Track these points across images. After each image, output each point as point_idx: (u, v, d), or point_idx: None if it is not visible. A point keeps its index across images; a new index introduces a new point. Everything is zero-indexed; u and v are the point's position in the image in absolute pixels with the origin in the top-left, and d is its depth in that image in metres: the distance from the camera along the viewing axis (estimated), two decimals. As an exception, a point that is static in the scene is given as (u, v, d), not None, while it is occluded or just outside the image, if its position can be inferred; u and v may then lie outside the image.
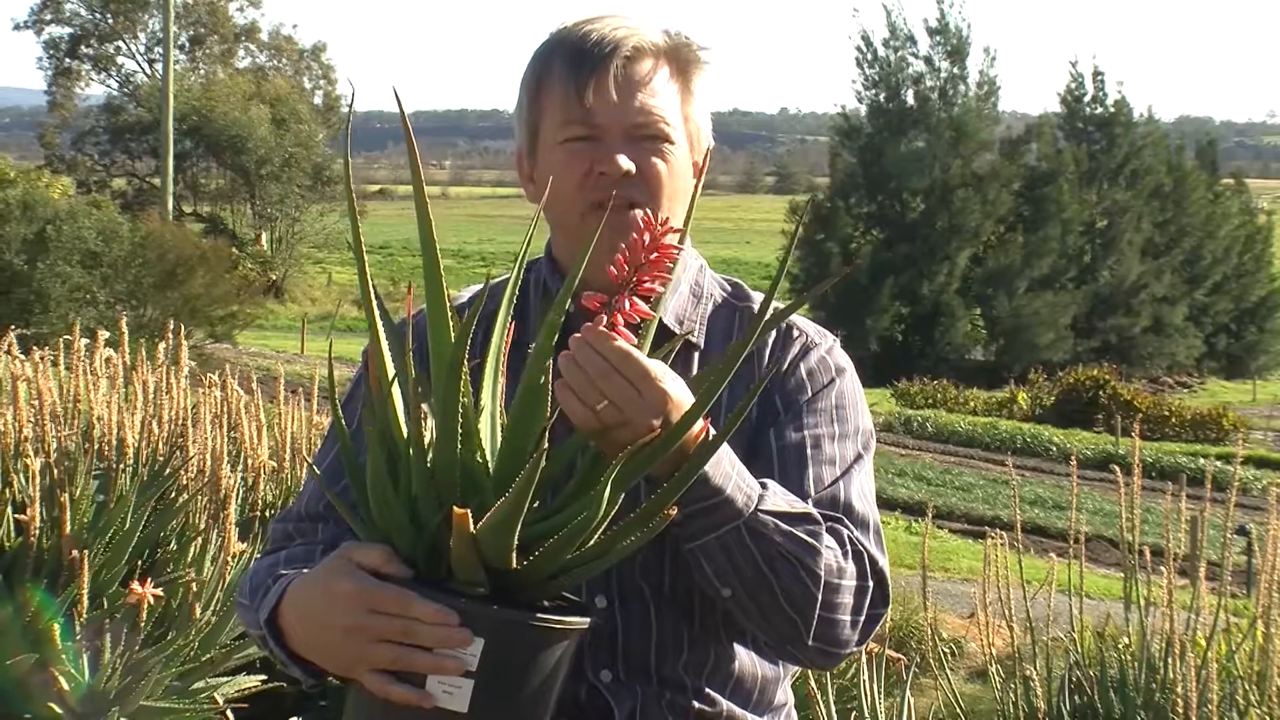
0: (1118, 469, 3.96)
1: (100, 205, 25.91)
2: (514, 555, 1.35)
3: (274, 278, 39.67)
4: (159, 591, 3.52)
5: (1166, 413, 24.53)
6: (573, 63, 1.61)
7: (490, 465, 1.40)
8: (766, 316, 1.44)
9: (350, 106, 1.57)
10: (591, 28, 1.63)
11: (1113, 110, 40.95)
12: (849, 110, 40.11)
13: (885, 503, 12.46)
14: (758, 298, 1.71)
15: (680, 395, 1.42)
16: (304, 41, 47.47)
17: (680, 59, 1.66)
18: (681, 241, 1.50)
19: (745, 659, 1.66)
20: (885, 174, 37.81)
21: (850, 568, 1.54)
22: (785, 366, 1.67)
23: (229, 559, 3.88)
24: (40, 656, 3.42)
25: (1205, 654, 3.44)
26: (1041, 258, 38.08)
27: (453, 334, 1.37)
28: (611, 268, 1.40)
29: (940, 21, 38.47)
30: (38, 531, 3.66)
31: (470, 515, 1.31)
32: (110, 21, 43.39)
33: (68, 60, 43.72)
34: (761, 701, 1.69)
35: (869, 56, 38.76)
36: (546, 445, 1.37)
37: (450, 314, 1.39)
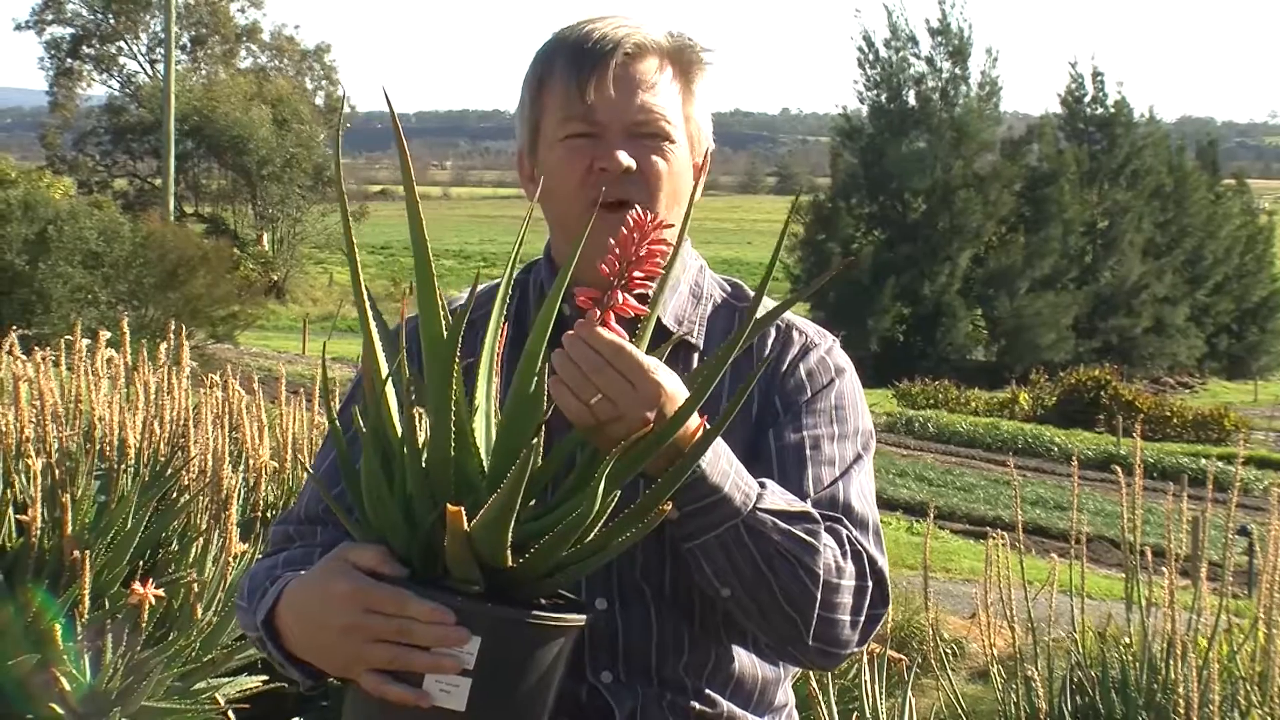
0: (1119, 469, 3.96)
1: (102, 205, 25.95)
2: (508, 552, 1.35)
3: (275, 278, 39.65)
4: (160, 592, 3.52)
5: (1168, 413, 24.51)
6: (575, 60, 1.62)
7: (485, 464, 1.39)
8: (758, 314, 1.44)
9: (340, 113, 1.57)
10: (594, 26, 1.64)
11: (1113, 111, 40.92)
12: (850, 111, 40.17)
13: (886, 503, 12.45)
14: (758, 298, 1.71)
15: (674, 388, 1.41)
16: (307, 43, 47.55)
17: (682, 59, 1.66)
18: (680, 241, 1.50)
19: (746, 660, 1.66)
20: (887, 174, 37.78)
21: (849, 567, 1.54)
22: (785, 367, 1.67)
23: (230, 559, 3.88)
24: (42, 657, 3.42)
25: (1207, 654, 3.44)
26: (1043, 258, 38.05)
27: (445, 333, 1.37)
28: (603, 264, 1.40)
29: (942, 22, 38.45)
30: (39, 532, 3.66)
31: (464, 513, 1.31)
32: (112, 22, 43.39)
33: (69, 60, 43.71)
34: (762, 702, 1.69)
35: (871, 57, 38.75)
36: (541, 442, 1.36)
37: (443, 313, 1.39)
